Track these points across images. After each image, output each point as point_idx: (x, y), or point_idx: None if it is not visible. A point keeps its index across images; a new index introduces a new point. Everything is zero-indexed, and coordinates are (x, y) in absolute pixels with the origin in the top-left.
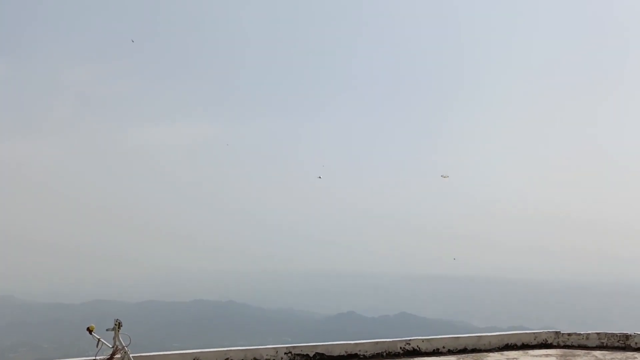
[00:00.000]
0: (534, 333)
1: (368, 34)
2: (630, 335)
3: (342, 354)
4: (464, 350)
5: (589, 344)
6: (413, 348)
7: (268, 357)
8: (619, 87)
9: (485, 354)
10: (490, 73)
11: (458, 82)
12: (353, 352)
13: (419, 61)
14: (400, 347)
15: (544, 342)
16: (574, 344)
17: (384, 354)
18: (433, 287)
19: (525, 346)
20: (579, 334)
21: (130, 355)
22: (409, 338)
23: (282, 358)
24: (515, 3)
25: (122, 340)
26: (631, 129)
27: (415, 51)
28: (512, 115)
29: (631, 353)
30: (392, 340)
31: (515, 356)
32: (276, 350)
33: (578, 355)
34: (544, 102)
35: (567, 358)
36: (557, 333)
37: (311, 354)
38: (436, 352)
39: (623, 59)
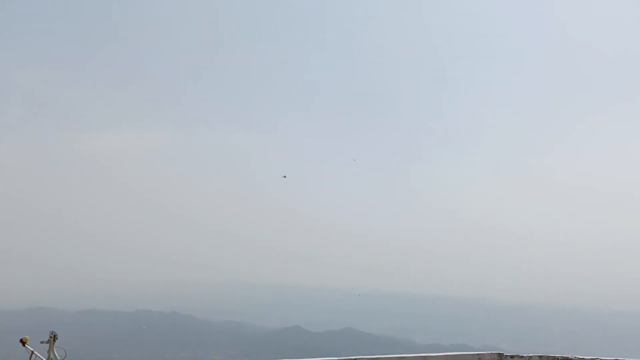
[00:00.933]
0: (477, 354)
1: (330, 46)
2: (571, 358)
3: None
4: None
5: None
6: None
7: None
8: (575, 125)
9: None
10: (457, 98)
11: (430, 102)
12: None
13: (385, 78)
14: None
15: None
16: None
17: None
18: (379, 303)
19: None
20: (522, 356)
21: None
22: (355, 357)
23: None
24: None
25: (57, 353)
26: (584, 162)
27: (377, 68)
28: (476, 141)
29: None
30: (338, 359)
31: None
32: None
33: None
34: (510, 130)
35: None
36: (500, 355)
37: None
38: None
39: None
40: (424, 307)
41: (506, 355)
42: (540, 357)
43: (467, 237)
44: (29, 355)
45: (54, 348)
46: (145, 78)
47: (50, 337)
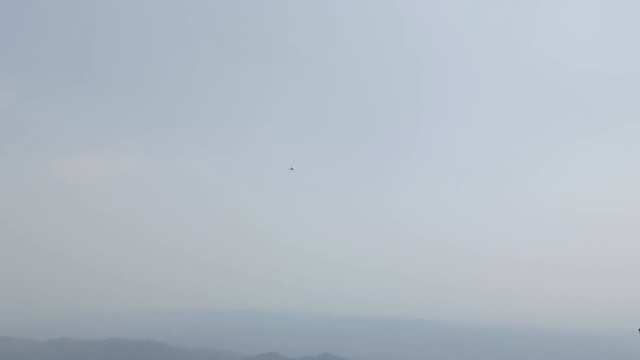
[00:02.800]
0: None
1: (304, 70)
2: None
3: None
4: None
5: None
6: None
7: None
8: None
9: None
10: (438, 123)
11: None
12: None
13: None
14: None
15: None
16: None
17: None
18: (356, 328)
19: None
20: None
21: None
22: None
23: None
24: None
25: None
26: (564, 184)
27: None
28: (456, 165)
29: None
30: None
31: None
32: None
33: None
34: (491, 154)
35: None
36: None
37: None
38: None
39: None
40: (402, 331)
41: None
42: None
43: (445, 261)
44: None
45: None
46: (117, 102)
47: None
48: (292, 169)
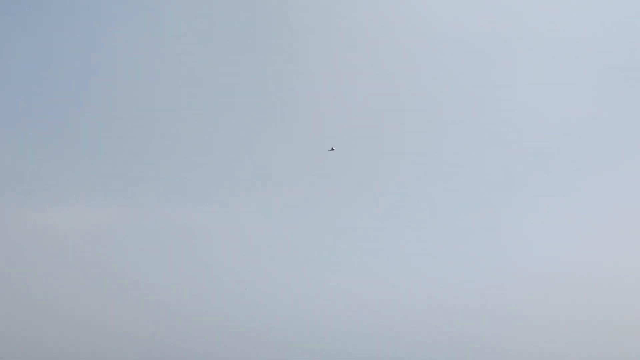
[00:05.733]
0: None
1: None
2: None
3: None
4: None
5: None
6: None
7: None
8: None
9: None
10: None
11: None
12: None
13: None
14: None
15: None
16: None
17: None
18: None
19: None
20: None
21: None
22: None
23: None
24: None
25: None
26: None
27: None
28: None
29: None
30: None
31: None
32: None
33: None
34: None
35: None
36: None
37: None
38: None
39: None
40: None
41: None
42: None
43: (407, 319)
44: None
45: None
46: (97, 152)
47: None
48: (332, 149)
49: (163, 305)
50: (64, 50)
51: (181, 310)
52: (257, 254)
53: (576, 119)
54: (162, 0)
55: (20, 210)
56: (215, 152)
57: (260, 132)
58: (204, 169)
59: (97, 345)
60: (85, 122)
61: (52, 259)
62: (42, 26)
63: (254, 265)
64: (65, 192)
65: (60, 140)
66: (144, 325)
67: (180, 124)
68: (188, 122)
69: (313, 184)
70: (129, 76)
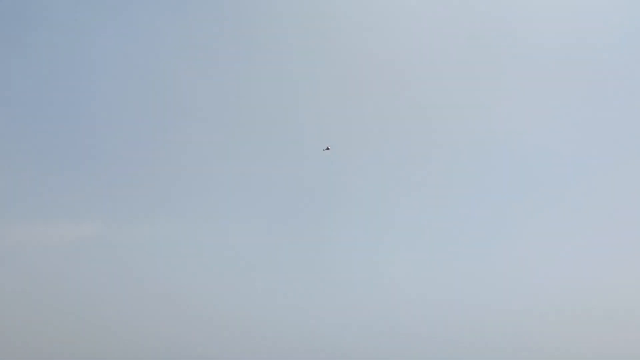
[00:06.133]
0: None
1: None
2: None
3: None
4: None
5: None
6: None
7: None
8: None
9: None
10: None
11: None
12: None
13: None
14: None
15: None
16: None
17: None
18: None
19: None
20: None
21: None
22: None
23: None
24: None
25: None
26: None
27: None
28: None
29: None
30: None
31: None
32: None
33: None
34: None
35: None
36: None
37: None
38: None
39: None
40: None
41: None
42: None
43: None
44: None
45: None
46: (74, 167)
47: None
48: (327, 148)
49: (144, 320)
50: (45, 63)
51: (165, 322)
52: (241, 267)
53: (566, 148)
54: (141, 14)
55: None
56: (197, 164)
57: (241, 145)
58: (185, 183)
59: None
60: (61, 135)
61: (28, 275)
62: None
63: (238, 279)
64: (43, 207)
65: (37, 154)
66: (124, 341)
67: (165, 139)
68: (171, 136)
69: (297, 200)
70: (109, 90)
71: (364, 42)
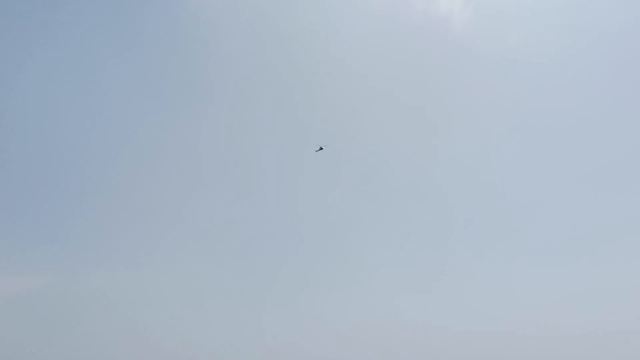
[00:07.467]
0: None
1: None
2: None
3: None
4: None
5: None
6: None
7: None
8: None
9: None
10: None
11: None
12: None
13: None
14: None
15: None
16: None
17: None
18: None
19: None
20: None
21: None
22: None
23: None
24: None
25: None
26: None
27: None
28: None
29: None
30: None
31: None
32: None
33: None
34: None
35: None
36: None
37: None
38: None
39: None
40: None
41: None
42: None
43: None
44: None
45: None
46: (22, 214)
47: None
48: (321, 148)
49: None
50: None
51: None
52: (193, 319)
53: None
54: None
55: None
56: (147, 213)
57: (193, 189)
58: (131, 231)
59: None
60: (6, 183)
61: None
62: None
63: (190, 331)
64: None
65: None
66: None
67: (119, 183)
68: (126, 181)
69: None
70: (60, 134)
71: None
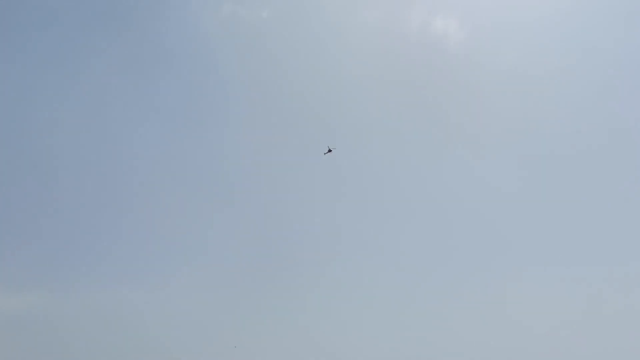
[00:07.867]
0: None
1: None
2: None
3: None
4: None
5: None
6: None
7: None
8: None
9: None
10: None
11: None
12: None
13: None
14: None
15: None
16: None
17: None
18: None
19: None
20: None
21: None
22: None
23: None
24: None
25: None
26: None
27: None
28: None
29: None
30: None
31: None
32: None
33: None
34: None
35: None
36: None
37: None
38: None
39: None
40: None
41: None
42: None
43: None
44: None
45: None
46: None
47: None
48: (330, 150)
49: None
50: None
51: None
52: (191, 336)
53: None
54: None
55: None
56: (146, 230)
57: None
58: (129, 247)
59: None
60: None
61: None
62: None
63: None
64: None
65: None
66: None
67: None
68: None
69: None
70: (59, 153)
71: None
